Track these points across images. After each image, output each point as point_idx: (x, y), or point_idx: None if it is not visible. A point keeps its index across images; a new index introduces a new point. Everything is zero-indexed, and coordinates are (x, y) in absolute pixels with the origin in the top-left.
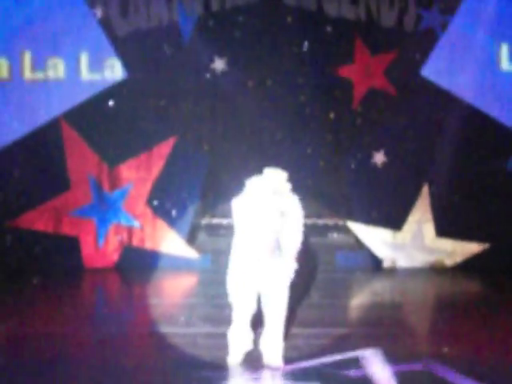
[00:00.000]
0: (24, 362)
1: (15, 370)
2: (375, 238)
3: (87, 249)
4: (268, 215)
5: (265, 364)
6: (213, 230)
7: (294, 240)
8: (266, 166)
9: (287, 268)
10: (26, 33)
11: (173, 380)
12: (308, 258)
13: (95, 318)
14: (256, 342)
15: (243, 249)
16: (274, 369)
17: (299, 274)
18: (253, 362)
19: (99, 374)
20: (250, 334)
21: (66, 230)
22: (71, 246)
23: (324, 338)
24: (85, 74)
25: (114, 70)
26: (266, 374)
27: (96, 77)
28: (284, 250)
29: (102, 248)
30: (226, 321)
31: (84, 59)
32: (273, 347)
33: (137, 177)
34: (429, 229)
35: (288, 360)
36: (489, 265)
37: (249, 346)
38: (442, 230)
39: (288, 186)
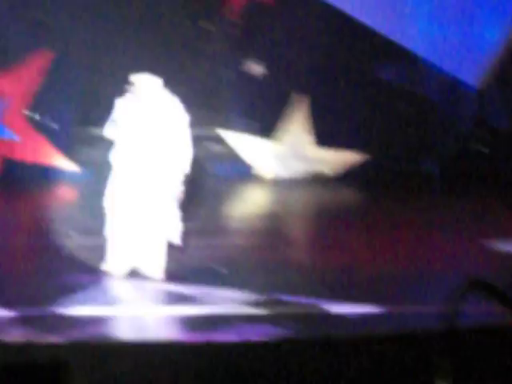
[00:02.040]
0: None
1: None
2: (252, 148)
3: None
4: (147, 121)
5: (145, 274)
6: (92, 141)
7: (181, 148)
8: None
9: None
10: None
11: (49, 286)
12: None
13: None
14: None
15: (121, 157)
16: (154, 280)
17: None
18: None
19: None
20: (130, 247)
21: None
22: None
23: (203, 248)
24: None
25: None
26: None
27: None
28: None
29: None
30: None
31: None
32: (153, 258)
33: (12, 89)
34: (307, 138)
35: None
36: (369, 175)
37: (128, 259)
38: (322, 140)
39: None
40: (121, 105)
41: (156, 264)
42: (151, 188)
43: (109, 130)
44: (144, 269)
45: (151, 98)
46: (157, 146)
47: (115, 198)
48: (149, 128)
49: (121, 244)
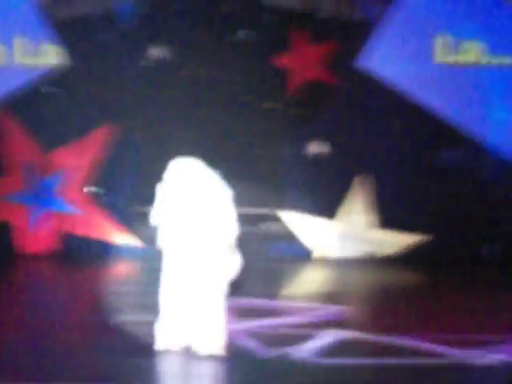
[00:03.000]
0: None
1: None
2: (311, 229)
3: (19, 235)
4: (191, 207)
5: (202, 353)
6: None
7: (226, 229)
8: (198, 154)
9: (222, 260)
10: None
11: (103, 368)
12: (240, 249)
13: (26, 305)
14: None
15: (171, 242)
16: (212, 357)
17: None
18: (186, 351)
19: (29, 360)
20: (184, 324)
21: (1, 215)
22: (3, 231)
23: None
24: (20, 59)
25: (50, 56)
26: (199, 362)
27: (31, 62)
28: (217, 241)
29: (34, 234)
30: (158, 309)
31: (20, 44)
32: (209, 336)
33: (72, 163)
34: (367, 219)
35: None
36: (424, 256)
37: (181, 336)
38: (382, 222)
39: (204, 171)
40: (167, 185)
41: (209, 342)
42: (201, 266)
43: (156, 210)
44: (197, 347)
45: (197, 178)
46: (204, 226)
47: (169, 276)
48: (195, 208)
49: (175, 321)
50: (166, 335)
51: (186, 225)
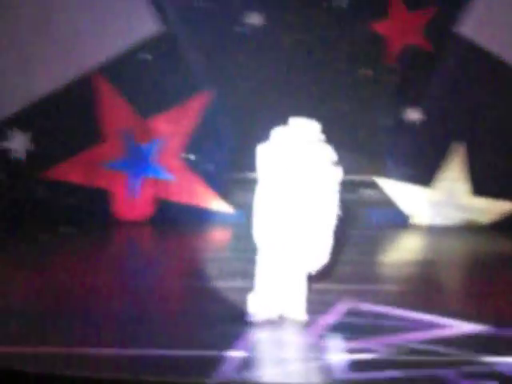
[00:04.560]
0: (55, 313)
1: (47, 322)
2: (408, 196)
3: (119, 201)
4: (298, 165)
5: (288, 319)
6: (246, 184)
7: (329, 202)
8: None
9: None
10: None
11: (200, 333)
12: (340, 214)
13: (126, 271)
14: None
15: (268, 200)
16: (299, 324)
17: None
18: (279, 318)
19: (129, 326)
20: (278, 292)
21: (99, 182)
22: (104, 198)
23: (355, 294)
24: (119, 25)
25: (148, 22)
26: (290, 330)
27: (131, 29)
28: (317, 207)
29: (134, 201)
30: (253, 276)
31: (117, 9)
32: (297, 302)
33: (170, 130)
34: (463, 187)
35: (318, 314)
36: None
37: (277, 303)
38: (477, 189)
39: (320, 136)
40: (268, 143)
41: (302, 309)
42: (300, 233)
43: (259, 173)
44: (290, 314)
45: (305, 142)
46: (306, 192)
47: (264, 241)
48: (298, 173)
49: (269, 287)
50: (261, 303)
51: (288, 186)
